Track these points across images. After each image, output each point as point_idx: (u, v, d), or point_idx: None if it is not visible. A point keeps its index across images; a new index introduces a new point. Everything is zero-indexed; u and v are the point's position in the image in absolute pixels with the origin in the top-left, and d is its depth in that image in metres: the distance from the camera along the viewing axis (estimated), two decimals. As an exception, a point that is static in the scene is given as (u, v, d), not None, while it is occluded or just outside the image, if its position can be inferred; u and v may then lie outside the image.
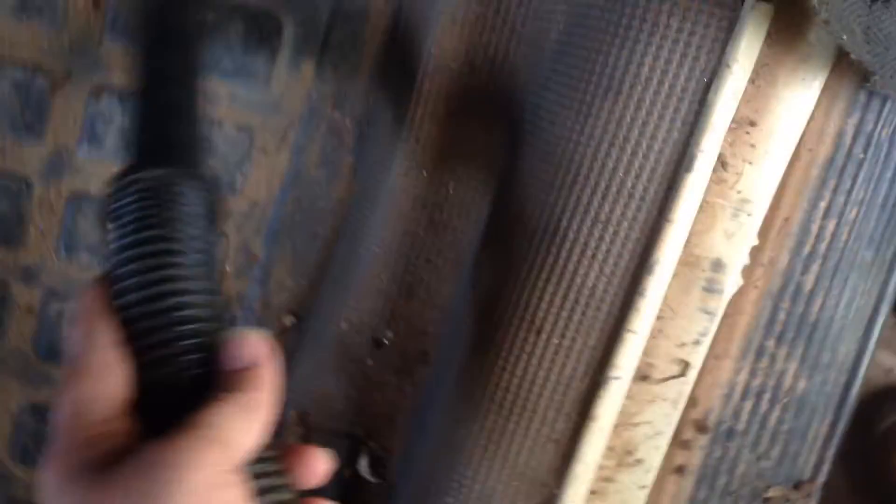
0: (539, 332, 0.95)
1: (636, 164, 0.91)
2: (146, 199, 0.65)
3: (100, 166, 1.26)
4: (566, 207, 0.95)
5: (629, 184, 0.91)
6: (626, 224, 0.92)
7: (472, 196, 1.16)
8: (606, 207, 0.92)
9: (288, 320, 1.30)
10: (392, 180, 1.19)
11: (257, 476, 0.63)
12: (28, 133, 1.26)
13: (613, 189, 0.92)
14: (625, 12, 0.90)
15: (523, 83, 1.09)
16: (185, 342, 0.64)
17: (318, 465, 0.70)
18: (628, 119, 0.90)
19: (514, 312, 0.96)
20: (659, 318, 0.93)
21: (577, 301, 0.93)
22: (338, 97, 1.23)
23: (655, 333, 0.93)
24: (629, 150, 0.91)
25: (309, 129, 1.24)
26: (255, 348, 0.65)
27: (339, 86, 1.22)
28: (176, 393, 0.63)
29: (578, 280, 0.93)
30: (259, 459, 0.63)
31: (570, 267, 0.93)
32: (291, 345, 1.29)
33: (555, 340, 0.95)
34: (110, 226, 0.66)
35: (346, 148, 1.25)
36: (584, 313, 0.93)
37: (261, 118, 1.24)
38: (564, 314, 0.94)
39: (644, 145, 0.90)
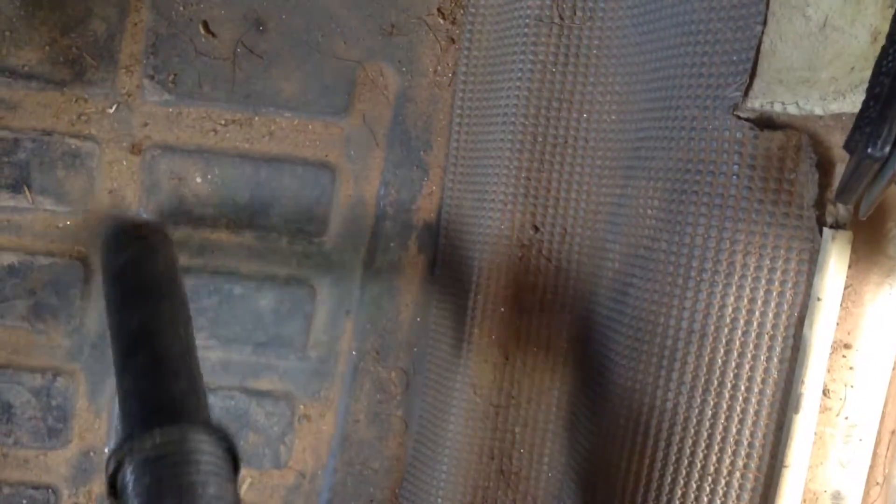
0: None
1: (738, 409, 0.85)
2: (156, 468, 0.59)
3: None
4: (667, 460, 0.88)
5: (734, 430, 0.85)
6: (738, 474, 0.85)
7: (542, 439, 1.09)
8: (714, 458, 0.86)
9: None
10: (452, 431, 1.11)
11: None
12: (52, 439, 1.17)
13: (718, 438, 0.85)
14: (694, 254, 0.86)
15: (579, 321, 1.04)
16: None
17: None
18: (720, 362, 0.85)
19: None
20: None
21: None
22: (380, 351, 1.17)
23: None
24: (727, 395, 0.85)
25: (353, 389, 1.18)
26: None
27: (381, 339, 1.17)
28: None
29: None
30: None
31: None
32: None
33: None
34: None
35: (394, 402, 1.18)
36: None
37: (301, 384, 1.17)
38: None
39: (743, 388, 0.84)
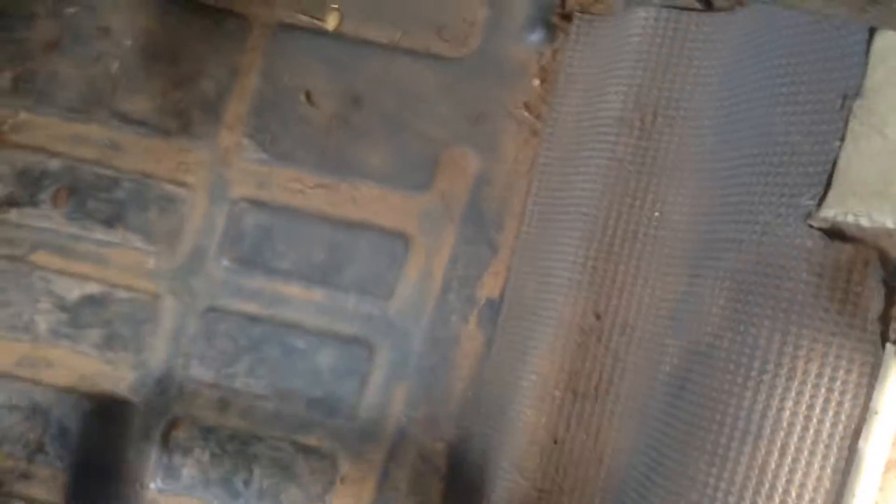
0: None
1: (787, 515, 0.84)
2: None
3: (174, 501, 1.20)
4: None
5: (782, 537, 0.84)
6: (782, 584, 0.84)
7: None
8: (759, 563, 0.85)
9: None
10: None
11: None
12: (101, 472, 1.20)
13: (764, 543, 0.85)
14: (756, 355, 0.87)
15: (632, 414, 1.05)
16: None
17: None
18: (773, 466, 0.85)
19: None
20: None
21: None
22: (429, 420, 1.19)
23: None
24: (777, 500, 0.85)
25: (397, 455, 1.19)
26: None
27: (431, 409, 1.19)
28: None
29: None
30: None
31: None
32: None
33: None
34: None
35: (437, 474, 1.19)
36: None
37: (347, 444, 1.19)
38: None
39: (794, 494, 0.84)
